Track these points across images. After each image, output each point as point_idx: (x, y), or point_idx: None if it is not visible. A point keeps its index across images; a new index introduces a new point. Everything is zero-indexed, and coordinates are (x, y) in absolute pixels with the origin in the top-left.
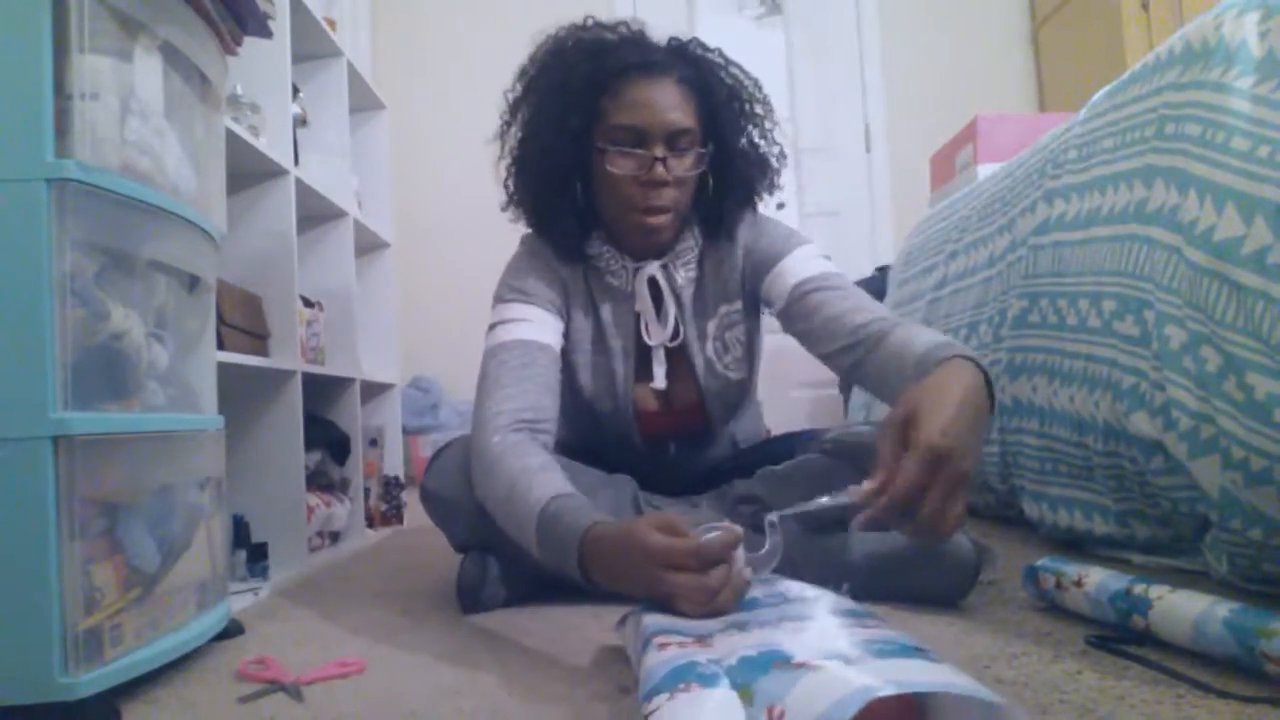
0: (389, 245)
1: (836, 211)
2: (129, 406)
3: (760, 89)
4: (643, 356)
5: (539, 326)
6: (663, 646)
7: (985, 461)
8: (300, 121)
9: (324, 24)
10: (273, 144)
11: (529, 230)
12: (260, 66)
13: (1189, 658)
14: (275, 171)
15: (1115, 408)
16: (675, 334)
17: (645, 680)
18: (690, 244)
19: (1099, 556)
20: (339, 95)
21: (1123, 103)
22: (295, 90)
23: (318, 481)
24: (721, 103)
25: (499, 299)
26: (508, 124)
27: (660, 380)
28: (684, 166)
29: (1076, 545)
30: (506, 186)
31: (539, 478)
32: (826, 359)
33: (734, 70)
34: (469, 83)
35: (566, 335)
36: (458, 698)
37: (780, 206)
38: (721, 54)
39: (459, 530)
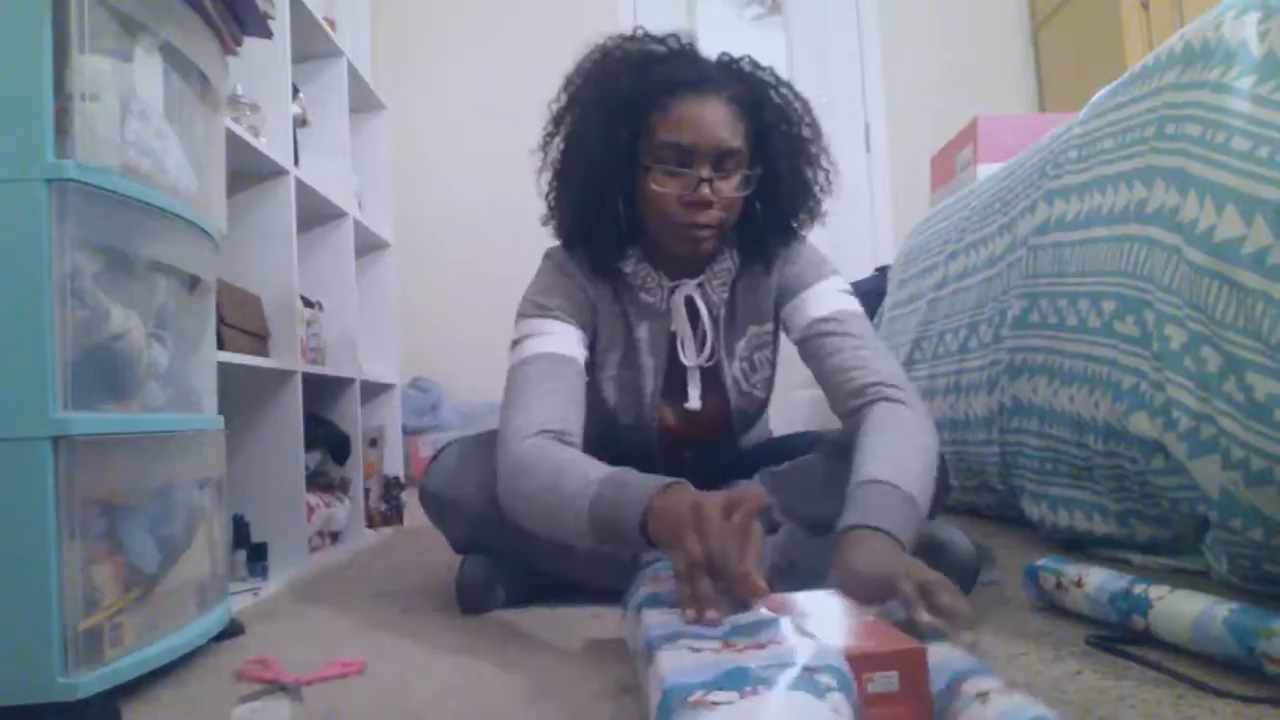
0: (389, 245)
1: (836, 211)
2: (129, 407)
3: (810, 111)
4: (673, 374)
5: (563, 339)
6: (696, 650)
7: (985, 461)
8: (300, 121)
9: (324, 24)
10: (273, 144)
11: (555, 244)
12: (260, 66)
13: (1189, 658)
14: (275, 171)
15: (1115, 408)
16: (711, 354)
17: (680, 675)
18: (728, 265)
19: (1099, 556)
20: (339, 95)
21: (1123, 103)
22: (295, 90)
23: (318, 481)
24: (770, 124)
25: (522, 315)
26: (551, 135)
27: (695, 401)
28: (730, 187)
29: (1076, 545)
30: (548, 200)
31: (589, 463)
32: (829, 403)
33: (784, 91)
34: (469, 83)
35: (593, 350)
36: (458, 698)
37: None
38: (773, 73)
39: (458, 530)
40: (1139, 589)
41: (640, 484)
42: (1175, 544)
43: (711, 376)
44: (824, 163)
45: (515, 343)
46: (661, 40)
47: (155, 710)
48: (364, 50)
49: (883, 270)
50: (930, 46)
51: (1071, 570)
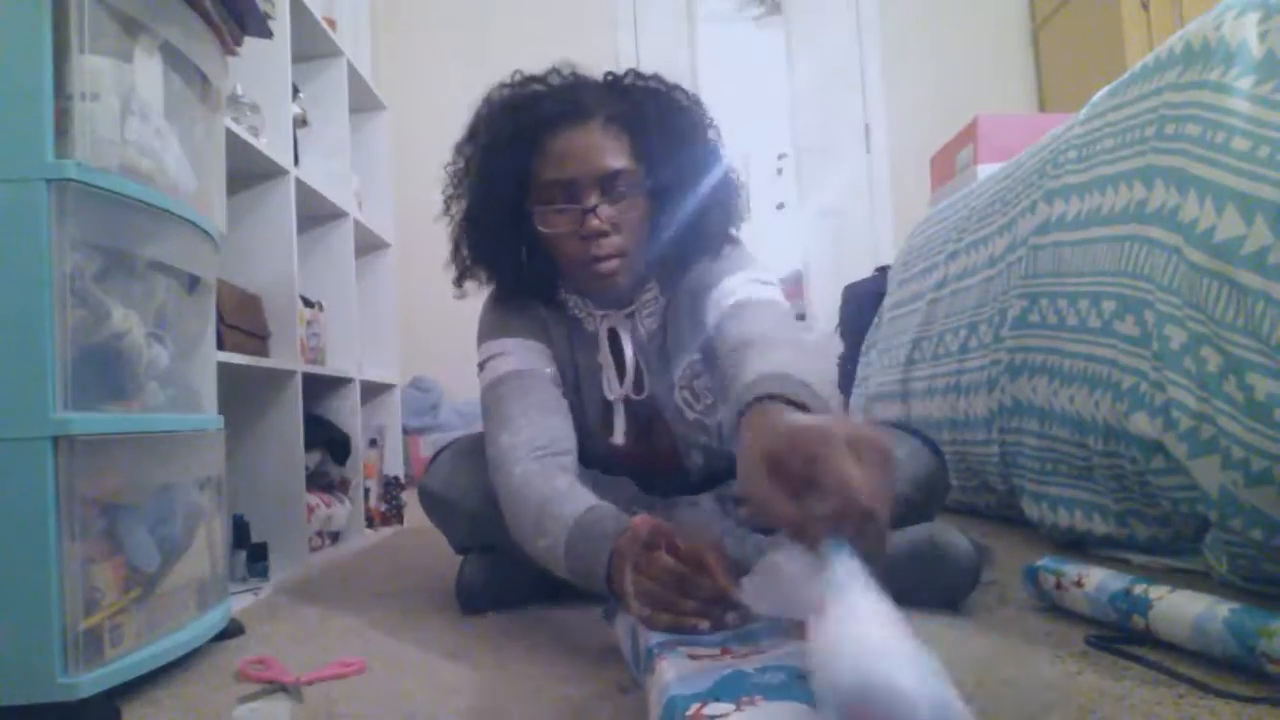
0: (389, 245)
1: (836, 211)
2: (129, 407)
3: (700, 109)
4: (609, 407)
5: (528, 355)
6: (695, 658)
7: (985, 461)
8: (300, 121)
9: (324, 24)
10: (273, 144)
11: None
12: (260, 66)
13: (1189, 658)
14: (275, 171)
15: (1115, 408)
16: (640, 387)
17: (680, 686)
18: (654, 293)
19: (1099, 556)
20: (339, 95)
21: (1123, 103)
22: (295, 90)
23: (318, 481)
24: (657, 134)
25: (481, 338)
26: (451, 198)
27: (619, 437)
28: (621, 210)
29: (1076, 545)
30: (461, 259)
31: (571, 495)
32: (725, 395)
33: (675, 95)
34: (469, 83)
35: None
36: (458, 697)
37: (780, 207)
38: (660, 79)
39: (459, 530)
40: (1139, 589)
41: (602, 536)
42: (1175, 544)
43: (651, 408)
44: (720, 158)
45: (481, 365)
46: (542, 78)
47: (155, 710)
48: (364, 50)
49: (883, 270)
50: (930, 46)
51: (1071, 570)
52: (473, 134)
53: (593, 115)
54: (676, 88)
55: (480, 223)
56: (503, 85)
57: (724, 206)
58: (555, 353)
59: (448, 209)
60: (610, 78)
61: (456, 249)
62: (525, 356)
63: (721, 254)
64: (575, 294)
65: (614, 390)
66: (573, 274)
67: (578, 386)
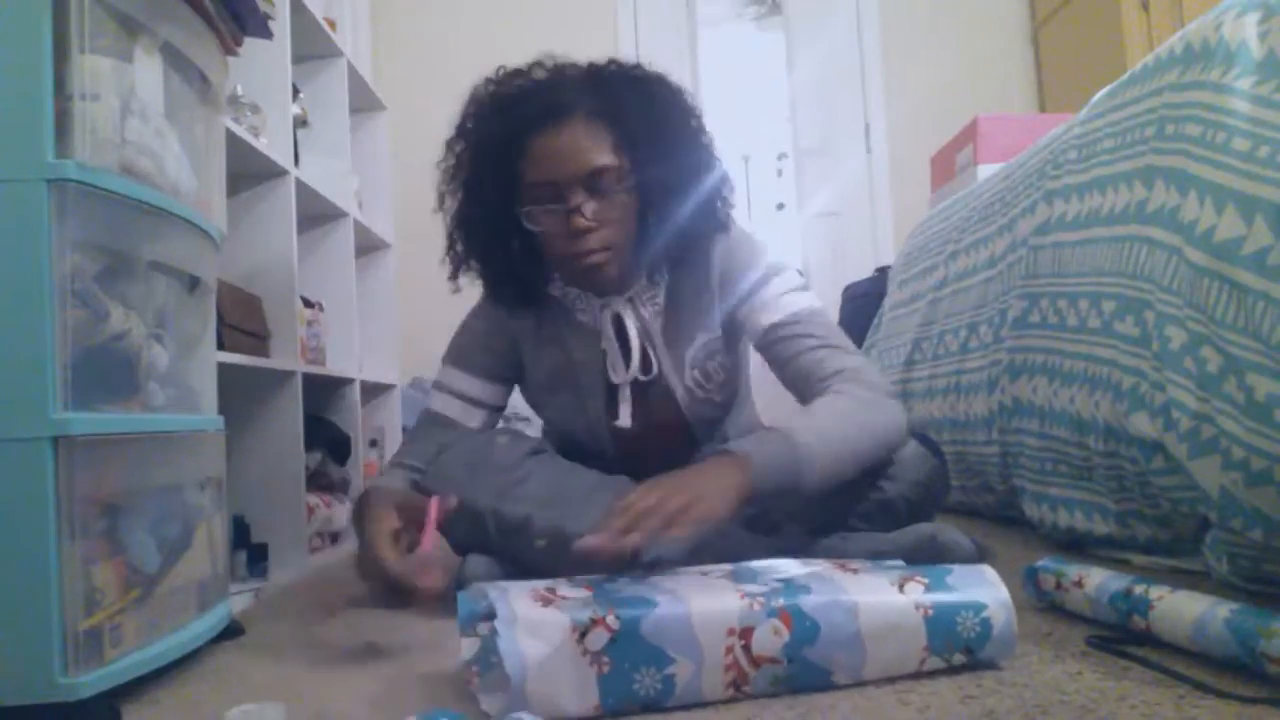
0: (389, 245)
1: (836, 212)
2: (129, 407)
3: (679, 96)
4: (615, 391)
5: (459, 402)
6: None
7: (985, 461)
8: (300, 122)
9: (324, 24)
10: (273, 144)
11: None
12: (260, 66)
13: (1189, 658)
14: (275, 172)
15: (1115, 408)
16: (647, 368)
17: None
18: (655, 277)
19: (1099, 557)
20: (339, 95)
21: (1123, 103)
22: (295, 90)
23: (318, 481)
24: (639, 125)
25: (443, 360)
26: (444, 194)
27: (625, 419)
28: (607, 206)
29: (1077, 546)
30: (455, 256)
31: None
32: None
33: (656, 84)
34: (469, 83)
35: (529, 379)
36: (458, 698)
37: (780, 207)
38: (641, 68)
39: (459, 531)
40: (1139, 589)
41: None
42: (1175, 544)
43: (658, 389)
44: (705, 144)
45: (433, 384)
46: (525, 72)
47: (155, 710)
48: (364, 50)
49: (883, 270)
50: (930, 47)
51: (1071, 571)
52: (461, 131)
53: (573, 112)
54: (658, 76)
55: (472, 221)
56: (488, 81)
57: (713, 191)
58: (535, 360)
59: (441, 204)
60: (592, 68)
61: (451, 245)
62: (457, 403)
63: (729, 235)
64: (574, 285)
65: (620, 374)
66: (562, 271)
67: (576, 382)
